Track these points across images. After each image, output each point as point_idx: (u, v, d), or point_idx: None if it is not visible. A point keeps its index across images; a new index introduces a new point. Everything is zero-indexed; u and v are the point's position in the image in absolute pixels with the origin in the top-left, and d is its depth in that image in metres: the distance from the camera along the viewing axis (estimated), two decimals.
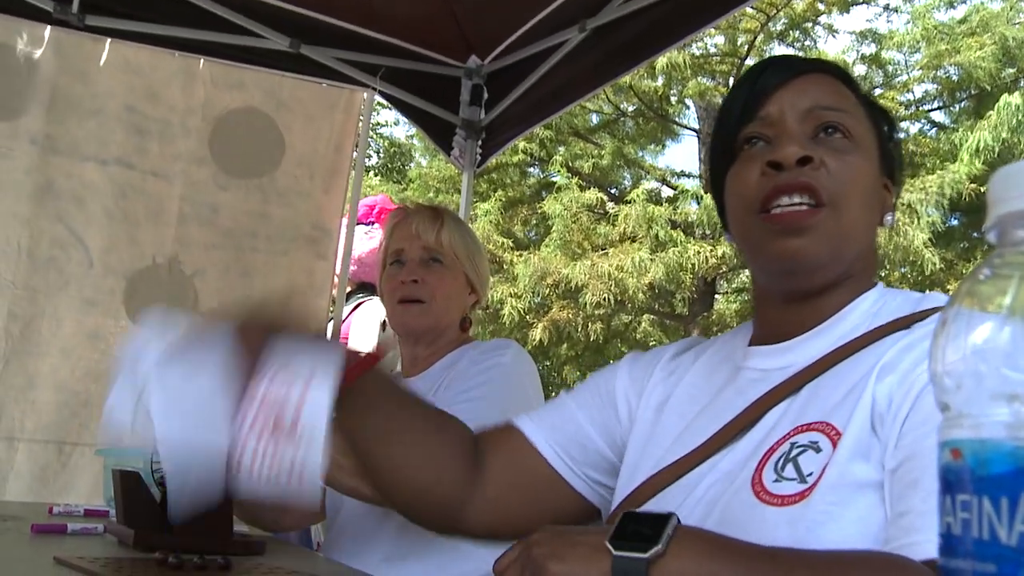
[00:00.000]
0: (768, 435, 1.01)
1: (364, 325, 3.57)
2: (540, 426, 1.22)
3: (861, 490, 0.90)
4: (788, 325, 1.11)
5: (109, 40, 2.95)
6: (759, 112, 1.09)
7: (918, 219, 10.07)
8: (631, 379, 1.25)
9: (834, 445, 0.94)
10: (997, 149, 9.84)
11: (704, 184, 13.11)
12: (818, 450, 0.95)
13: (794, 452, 0.96)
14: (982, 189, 10.27)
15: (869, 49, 12.98)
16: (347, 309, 3.78)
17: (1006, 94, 10.24)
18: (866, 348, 1.01)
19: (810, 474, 0.93)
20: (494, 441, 1.23)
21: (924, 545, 0.80)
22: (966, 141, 10.15)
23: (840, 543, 0.87)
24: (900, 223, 10.00)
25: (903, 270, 11.41)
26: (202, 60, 3.05)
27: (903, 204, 10.02)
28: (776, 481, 0.95)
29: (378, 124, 16.80)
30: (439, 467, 1.18)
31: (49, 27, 2.88)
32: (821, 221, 1.03)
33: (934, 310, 1.01)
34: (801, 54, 13.04)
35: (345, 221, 3.27)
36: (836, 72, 1.14)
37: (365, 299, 3.68)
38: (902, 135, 1.26)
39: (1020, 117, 9.81)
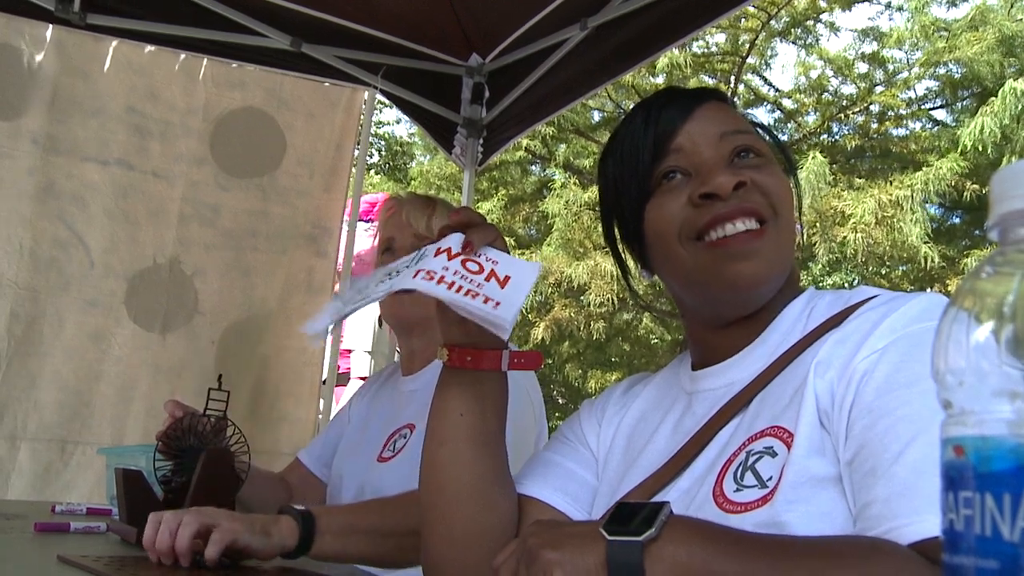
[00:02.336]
0: (723, 450, 1.02)
1: (358, 322, 3.57)
2: (537, 483, 1.20)
3: (821, 485, 0.90)
4: (726, 345, 1.12)
5: (111, 40, 2.95)
6: (670, 146, 1.10)
7: (912, 214, 10.06)
8: (590, 420, 1.27)
9: (788, 447, 0.94)
10: (998, 135, 9.81)
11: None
12: (774, 455, 0.95)
13: (751, 460, 0.97)
14: (975, 185, 10.31)
15: (870, 47, 12.97)
16: None
17: (1011, 80, 10.22)
18: (802, 353, 1.03)
19: (770, 478, 0.94)
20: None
21: (904, 530, 0.80)
22: (966, 135, 10.12)
23: None
24: (895, 219, 10.00)
25: (904, 268, 11.41)
26: (204, 60, 3.05)
27: (892, 200, 10.02)
28: (737, 490, 0.96)
29: (380, 123, 16.80)
30: (490, 526, 1.13)
31: (51, 26, 2.88)
32: (766, 241, 1.05)
33: (863, 303, 1.03)
34: (803, 52, 13.06)
35: (347, 219, 3.27)
36: (724, 98, 1.17)
37: None
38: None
39: (1023, 106, 9.79)
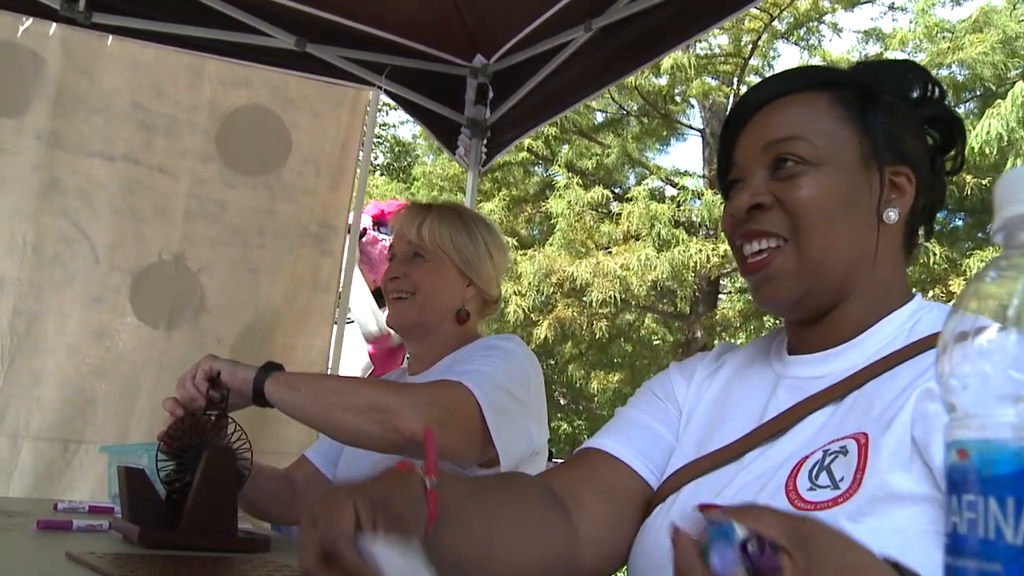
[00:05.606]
0: (802, 445, 1.02)
1: (351, 352, 3.57)
2: (620, 441, 1.20)
3: (900, 502, 0.90)
4: (817, 337, 1.13)
5: (115, 37, 2.96)
6: (732, 159, 1.16)
7: None
8: (682, 378, 1.27)
9: (861, 449, 0.94)
10: (1005, 138, 9.77)
11: (708, 183, 13.11)
12: (845, 453, 0.96)
13: (827, 460, 0.97)
14: (975, 179, 10.30)
15: (874, 48, 12.96)
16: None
17: (1021, 81, 10.18)
18: (905, 363, 1.02)
19: (842, 479, 0.94)
20: (578, 478, 1.18)
21: None
22: (973, 137, 10.08)
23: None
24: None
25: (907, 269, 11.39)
26: (208, 58, 3.06)
27: None
28: (810, 489, 0.96)
29: (384, 125, 16.81)
30: (539, 542, 1.09)
31: (55, 24, 2.89)
32: (784, 261, 1.08)
33: None
34: (806, 54, 13.05)
35: (351, 219, 3.28)
36: (799, 84, 1.14)
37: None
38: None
39: None
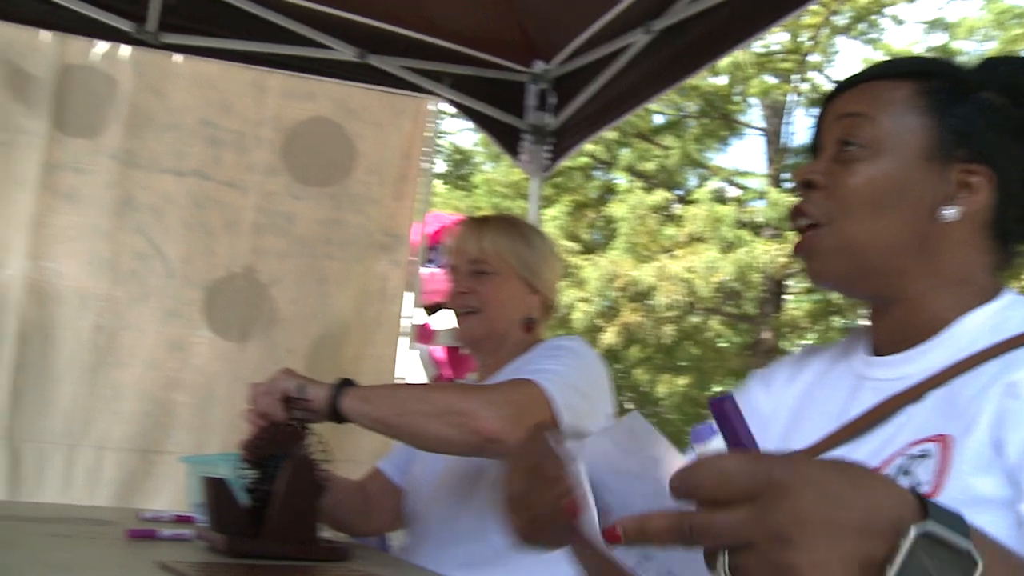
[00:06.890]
0: (882, 447, 0.99)
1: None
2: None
3: (983, 505, 0.87)
4: (896, 333, 1.09)
5: (183, 56, 3.02)
6: (817, 131, 1.17)
7: None
8: (762, 385, 1.25)
9: (944, 451, 0.92)
10: None
11: (771, 182, 12.95)
12: (926, 456, 0.93)
13: (908, 464, 0.94)
14: None
15: (939, 39, 12.70)
16: None
17: None
18: (988, 362, 0.98)
19: (919, 483, 0.91)
20: None
21: None
22: None
23: None
24: None
25: None
26: (273, 73, 3.11)
27: None
28: None
29: (443, 132, 16.91)
30: None
31: (126, 46, 2.96)
32: (820, 241, 1.08)
33: None
34: (868, 48, 12.86)
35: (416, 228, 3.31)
36: (893, 70, 1.12)
37: None
38: None
39: None
